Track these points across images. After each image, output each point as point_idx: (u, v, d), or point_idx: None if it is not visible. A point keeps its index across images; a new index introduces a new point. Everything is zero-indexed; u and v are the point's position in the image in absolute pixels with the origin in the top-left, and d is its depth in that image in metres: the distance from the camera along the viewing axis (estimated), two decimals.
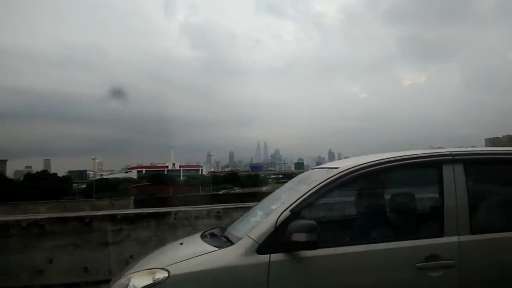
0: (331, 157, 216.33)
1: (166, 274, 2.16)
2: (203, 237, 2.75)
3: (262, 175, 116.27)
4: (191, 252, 2.37)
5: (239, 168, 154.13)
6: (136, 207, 19.43)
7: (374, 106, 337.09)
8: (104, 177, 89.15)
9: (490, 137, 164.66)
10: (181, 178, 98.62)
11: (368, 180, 2.73)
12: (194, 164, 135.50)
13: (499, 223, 2.61)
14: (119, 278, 2.44)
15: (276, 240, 2.22)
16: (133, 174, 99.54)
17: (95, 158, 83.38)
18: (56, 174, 73.01)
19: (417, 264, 2.22)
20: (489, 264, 2.30)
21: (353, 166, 2.51)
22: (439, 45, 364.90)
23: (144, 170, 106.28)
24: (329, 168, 2.74)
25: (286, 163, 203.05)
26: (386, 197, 2.94)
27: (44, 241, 4.32)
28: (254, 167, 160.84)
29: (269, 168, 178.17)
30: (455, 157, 2.52)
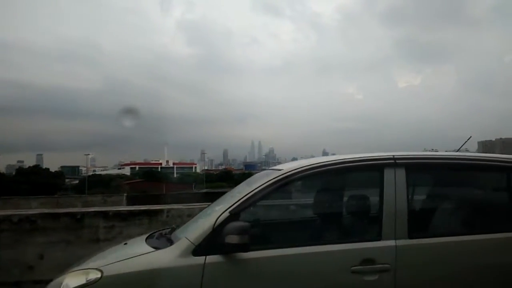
0: None
1: (99, 275, 2.13)
2: (150, 237, 2.70)
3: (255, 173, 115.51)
4: (129, 253, 2.35)
5: (233, 167, 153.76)
6: (128, 204, 19.33)
7: (370, 107, 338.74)
8: (97, 173, 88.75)
9: (483, 140, 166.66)
10: (175, 175, 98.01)
11: (309, 183, 2.74)
12: (188, 161, 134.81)
13: (437, 228, 2.62)
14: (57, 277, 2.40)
15: (213, 241, 2.18)
16: (126, 171, 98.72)
17: (88, 154, 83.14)
18: (48, 169, 72.39)
19: (352, 268, 2.20)
20: (425, 268, 2.29)
21: (295, 168, 2.48)
22: (435, 47, 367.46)
23: (137, 166, 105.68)
24: (273, 170, 2.73)
25: (280, 162, 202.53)
26: (326, 200, 2.91)
27: (35, 237, 4.30)
28: (248, 165, 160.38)
29: (263, 167, 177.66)
30: (397, 161, 2.50)
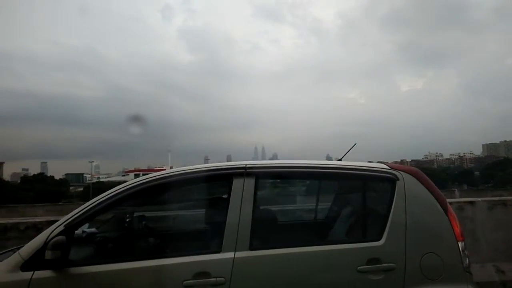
0: None
1: None
2: (7, 251, 2.59)
3: None
4: None
5: None
6: None
7: (373, 111, 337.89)
8: (101, 180, 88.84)
9: (487, 143, 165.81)
10: None
11: (155, 194, 2.59)
12: None
13: (280, 239, 2.56)
14: None
15: (43, 256, 2.07)
16: (130, 178, 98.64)
17: (92, 161, 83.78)
18: (53, 177, 72.84)
19: (185, 282, 2.09)
20: (262, 280, 2.20)
21: (140, 180, 2.39)
22: (436, 51, 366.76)
23: (141, 173, 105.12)
24: (126, 181, 2.62)
25: None
26: (170, 212, 2.81)
27: None
28: None
29: None
30: (247, 170, 2.39)
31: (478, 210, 4.58)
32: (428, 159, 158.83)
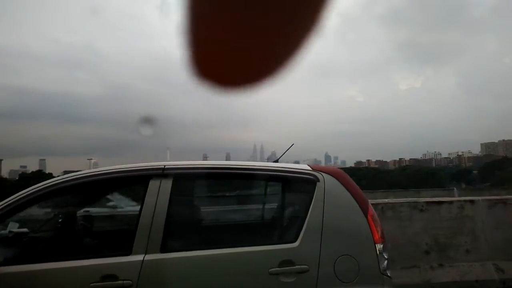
0: (328, 160, 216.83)
1: None
2: None
3: None
4: None
5: None
6: None
7: (372, 109, 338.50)
8: None
9: (486, 142, 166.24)
10: None
11: (67, 195, 2.54)
12: None
13: (192, 242, 2.50)
14: None
15: None
16: None
17: (91, 159, 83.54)
18: (51, 174, 72.38)
19: (91, 284, 2.05)
20: (171, 284, 2.17)
21: (54, 180, 2.36)
22: (435, 49, 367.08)
23: None
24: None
25: None
26: (82, 214, 2.76)
27: None
28: None
29: None
30: (165, 171, 2.35)
31: (478, 209, 4.58)
32: (427, 158, 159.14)
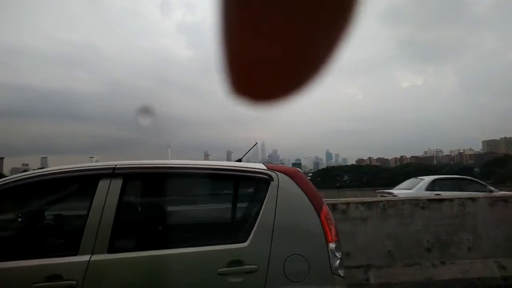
0: (329, 157, 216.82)
1: None
2: None
3: None
4: None
5: None
6: None
7: (373, 107, 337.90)
8: None
9: (487, 139, 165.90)
10: None
11: (14, 196, 2.50)
12: None
13: (141, 242, 2.46)
14: None
15: None
16: None
17: (92, 157, 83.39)
18: None
19: (34, 285, 2.03)
20: (117, 285, 2.13)
21: (6, 179, 2.32)
22: (436, 47, 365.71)
23: None
24: None
25: (284, 164, 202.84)
26: (31, 215, 2.76)
27: None
28: None
29: None
30: (116, 171, 2.33)
31: (480, 207, 4.59)
32: (428, 155, 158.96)
